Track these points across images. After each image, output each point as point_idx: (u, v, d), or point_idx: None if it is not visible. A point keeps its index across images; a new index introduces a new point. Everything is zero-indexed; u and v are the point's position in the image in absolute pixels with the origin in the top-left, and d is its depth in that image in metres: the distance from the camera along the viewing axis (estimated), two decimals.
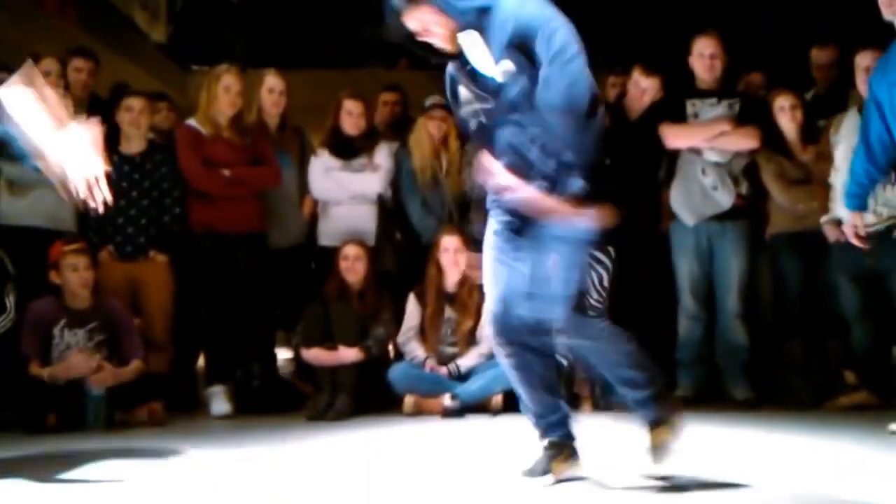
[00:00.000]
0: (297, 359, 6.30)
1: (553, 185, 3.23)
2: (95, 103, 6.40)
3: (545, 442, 3.48)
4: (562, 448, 3.47)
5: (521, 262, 3.32)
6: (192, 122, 6.09)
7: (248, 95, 6.23)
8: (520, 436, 4.87)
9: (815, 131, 5.98)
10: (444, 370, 5.83)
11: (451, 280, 5.91)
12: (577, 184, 3.23)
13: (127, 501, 3.37)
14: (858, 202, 4.92)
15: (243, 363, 6.16)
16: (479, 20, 3.23)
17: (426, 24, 3.27)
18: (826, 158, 5.77)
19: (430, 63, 3.41)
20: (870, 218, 5.43)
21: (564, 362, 5.93)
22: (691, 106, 6.00)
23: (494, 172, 3.30)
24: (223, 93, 5.99)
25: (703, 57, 6.00)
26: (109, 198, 3.43)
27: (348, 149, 6.25)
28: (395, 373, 5.82)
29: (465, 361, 5.84)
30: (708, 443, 4.57)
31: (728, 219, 5.95)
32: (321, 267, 6.17)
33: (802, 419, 5.23)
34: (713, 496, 3.25)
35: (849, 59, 5.66)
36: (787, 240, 5.96)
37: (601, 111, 3.25)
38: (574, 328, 3.41)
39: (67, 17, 9.61)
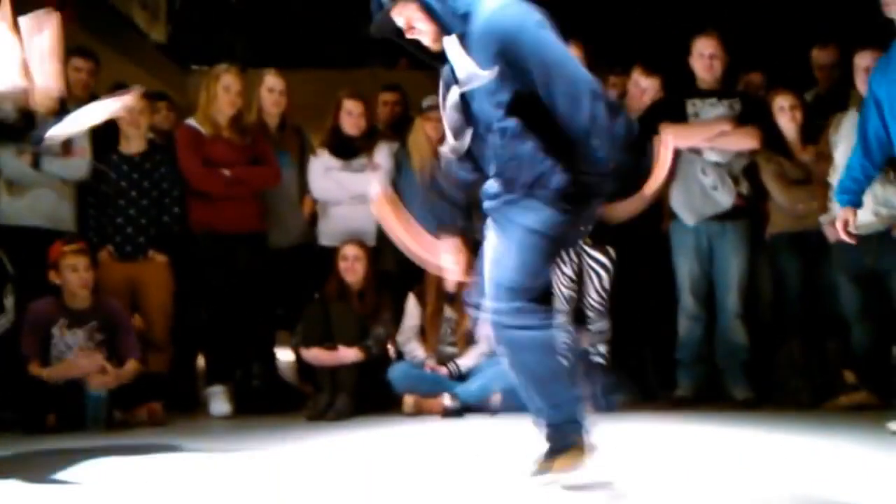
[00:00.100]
0: (298, 359, 6.30)
1: (533, 186, 3.22)
2: None
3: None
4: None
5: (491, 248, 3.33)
6: (191, 121, 6.09)
7: (248, 95, 6.23)
8: (520, 435, 4.88)
9: (815, 131, 5.98)
10: (443, 370, 5.84)
11: (451, 280, 5.91)
12: (559, 179, 3.21)
13: (126, 501, 3.37)
14: (851, 198, 4.92)
15: (243, 363, 6.16)
16: (458, 25, 3.24)
17: (412, 21, 3.28)
18: (826, 158, 5.77)
19: (429, 63, 3.41)
20: (870, 218, 5.43)
21: (564, 361, 5.94)
22: (692, 106, 6.00)
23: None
24: (223, 92, 5.99)
25: (703, 57, 6.00)
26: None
27: (348, 149, 6.25)
28: (395, 372, 5.82)
29: (465, 361, 5.84)
30: (708, 443, 4.57)
31: (728, 219, 5.95)
32: (321, 267, 6.16)
33: (802, 419, 5.23)
34: (713, 496, 3.25)
35: (849, 59, 5.67)
36: (786, 240, 5.96)
37: (620, 111, 3.24)
38: (503, 323, 3.28)
39: (67, 17, 9.60)
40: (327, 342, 5.83)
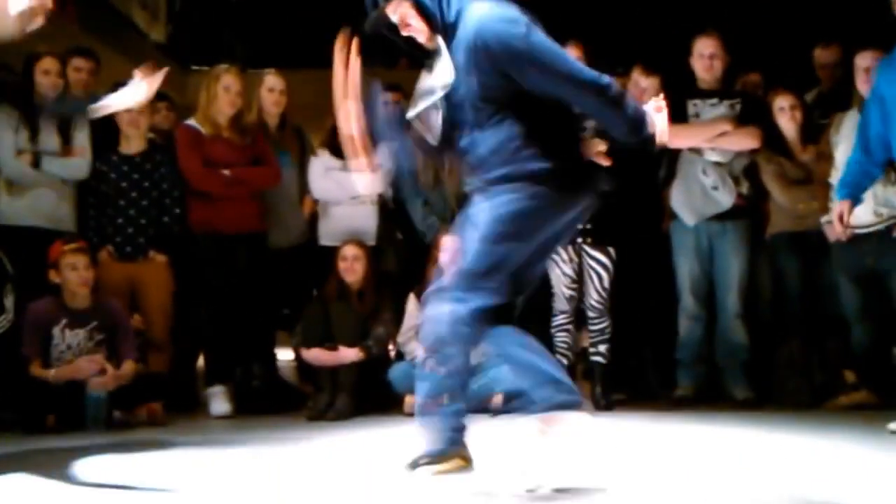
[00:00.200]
0: (298, 359, 6.29)
1: (509, 178, 3.21)
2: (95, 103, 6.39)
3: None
4: None
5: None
6: (191, 122, 6.09)
7: (248, 95, 6.22)
8: (520, 436, 4.87)
9: (816, 131, 5.98)
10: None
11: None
12: (537, 164, 3.20)
13: (126, 501, 3.36)
14: (849, 191, 4.93)
15: (243, 363, 6.16)
16: (448, 28, 3.25)
17: (406, 19, 3.30)
18: (826, 158, 5.77)
19: (422, 60, 3.42)
20: (870, 217, 5.44)
21: (564, 361, 5.95)
22: (692, 106, 6.01)
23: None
24: (223, 92, 5.99)
25: (704, 57, 6.01)
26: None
27: None
28: (396, 372, 5.82)
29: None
30: (708, 443, 4.57)
31: (728, 219, 5.95)
32: (321, 267, 6.16)
33: (802, 419, 5.24)
34: (713, 496, 3.25)
35: (852, 59, 5.67)
36: (787, 239, 5.96)
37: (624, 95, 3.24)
38: (443, 305, 3.26)
39: (67, 17, 9.60)
40: (327, 342, 5.84)
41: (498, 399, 5.69)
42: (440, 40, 3.28)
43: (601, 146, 3.32)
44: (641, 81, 6.23)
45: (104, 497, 3.42)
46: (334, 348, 5.80)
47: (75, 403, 5.29)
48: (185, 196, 6.02)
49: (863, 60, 5.54)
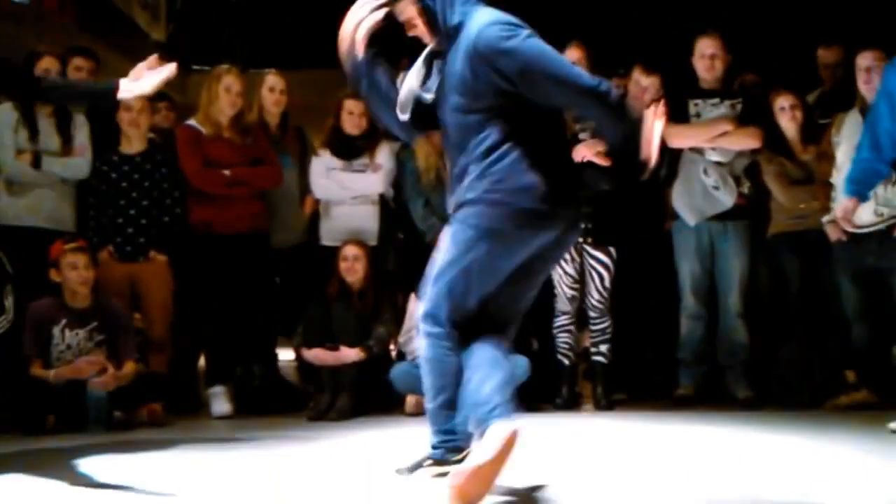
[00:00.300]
0: (299, 359, 6.29)
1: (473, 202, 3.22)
2: None
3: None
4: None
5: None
6: (192, 122, 6.08)
7: (249, 95, 6.22)
8: (521, 436, 4.87)
9: (817, 131, 5.98)
10: None
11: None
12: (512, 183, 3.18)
13: (127, 502, 3.36)
14: (857, 188, 4.93)
15: (244, 363, 6.16)
16: (450, 33, 3.27)
17: (413, 20, 3.32)
18: (828, 158, 5.77)
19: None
20: (871, 217, 5.43)
21: (566, 361, 5.95)
22: (694, 106, 6.01)
23: None
24: (224, 93, 5.98)
25: (705, 57, 6.01)
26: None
27: (349, 149, 6.24)
28: (397, 373, 5.81)
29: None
30: (708, 442, 4.57)
31: (730, 218, 5.95)
32: (323, 267, 6.16)
33: (803, 418, 5.24)
34: (714, 496, 3.25)
35: (854, 59, 5.67)
36: (787, 239, 5.96)
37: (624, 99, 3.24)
38: (428, 316, 3.29)
39: (67, 16, 9.61)
40: (328, 342, 5.84)
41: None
42: (434, 45, 3.31)
43: (600, 147, 3.32)
44: (642, 80, 6.23)
45: (104, 497, 3.42)
46: (335, 348, 5.80)
47: (75, 404, 5.29)
48: (186, 196, 6.02)
49: (863, 60, 5.54)
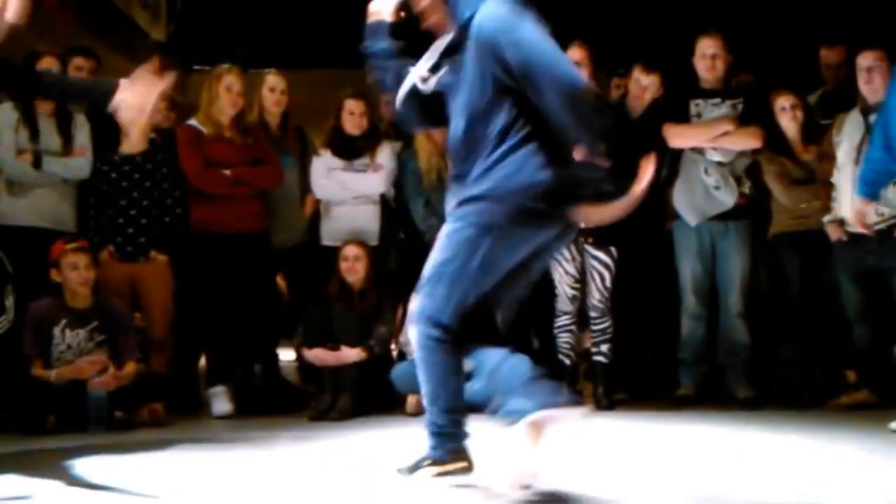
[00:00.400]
0: (300, 359, 6.29)
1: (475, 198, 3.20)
2: None
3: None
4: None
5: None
6: (193, 122, 6.08)
7: (249, 95, 6.22)
8: (521, 436, 4.86)
9: (818, 131, 5.98)
10: None
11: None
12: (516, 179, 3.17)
13: (128, 502, 3.36)
14: (871, 189, 4.93)
15: (245, 363, 6.16)
16: (462, 28, 3.27)
17: (429, 12, 3.32)
18: (829, 158, 5.77)
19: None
20: (872, 217, 5.43)
21: (567, 361, 5.95)
22: (695, 106, 6.01)
23: None
24: (224, 92, 5.98)
25: (706, 57, 6.01)
26: None
27: (350, 149, 6.24)
28: (398, 372, 5.81)
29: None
30: (709, 442, 4.58)
31: (731, 218, 5.96)
32: (323, 267, 6.16)
33: (803, 418, 5.24)
34: (714, 496, 3.25)
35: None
36: (788, 239, 5.96)
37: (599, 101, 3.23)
38: (421, 315, 3.30)
39: (66, 16, 9.60)
40: (329, 342, 5.84)
41: (500, 400, 5.68)
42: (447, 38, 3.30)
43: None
44: (642, 80, 6.24)
45: (104, 497, 3.42)
46: (336, 348, 5.80)
47: (76, 404, 5.28)
48: (187, 196, 6.02)
49: (864, 60, 5.54)
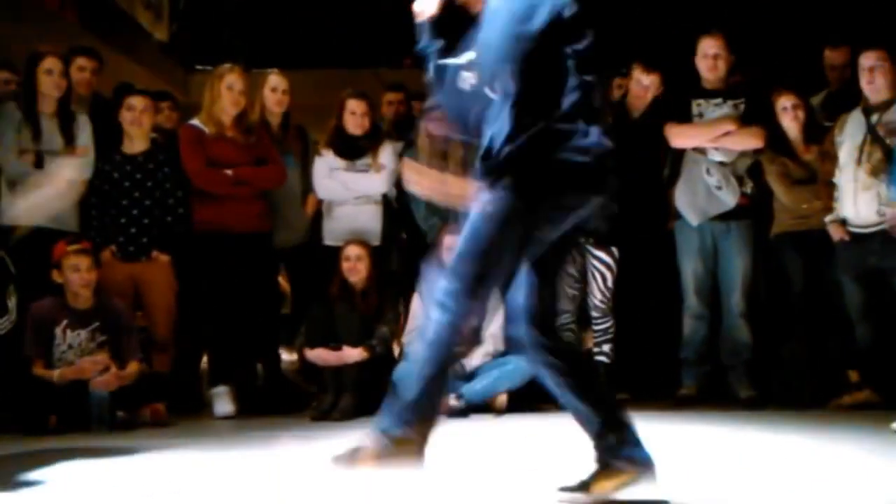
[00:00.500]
0: (302, 359, 6.29)
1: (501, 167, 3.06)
2: (99, 103, 6.41)
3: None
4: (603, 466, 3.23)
5: None
6: (195, 121, 6.08)
7: (250, 95, 6.21)
8: (524, 436, 4.88)
9: (819, 131, 5.97)
10: None
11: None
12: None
13: (129, 502, 3.37)
14: None
15: (247, 363, 6.16)
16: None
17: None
18: (830, 158, 5.77)
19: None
20: (873, 217, 5.44)
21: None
22: (696, 106, 6.01)
23: None
24: (226, 92, 5.97)
25: (708, 57, 6.01)
26: None
27: (352, 149, 6.24)
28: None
29: (470, 361, 5.83)
30: (711, 442, 4.57)
31: (733, 218, 5.96)
32: (326, 267, 6.16)
33: (805, 418, 5.23)
34: (715, 496, 3.25)
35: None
36: (790, 239, 5.96)
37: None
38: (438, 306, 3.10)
39: (68, 16, 9.60)
40: (331, 342, 5.84)
41: (502, 399, 5.70)
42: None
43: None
44: (643, 79, 6.24)
45: (106, 497, 3.42)
46: (338, 348, 5.80)
47: (78, 404, 5.29)
48: (189, 196, 6.02)
49: (866, 60, 5.55)
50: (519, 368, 5.62)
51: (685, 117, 6.00)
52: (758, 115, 5.98)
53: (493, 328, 5.82)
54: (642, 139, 6.06)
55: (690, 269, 6.03)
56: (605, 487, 3.19)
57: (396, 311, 6.06)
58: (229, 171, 5.95)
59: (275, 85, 6.30)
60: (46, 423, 5.23)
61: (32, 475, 3.74)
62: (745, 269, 5.98)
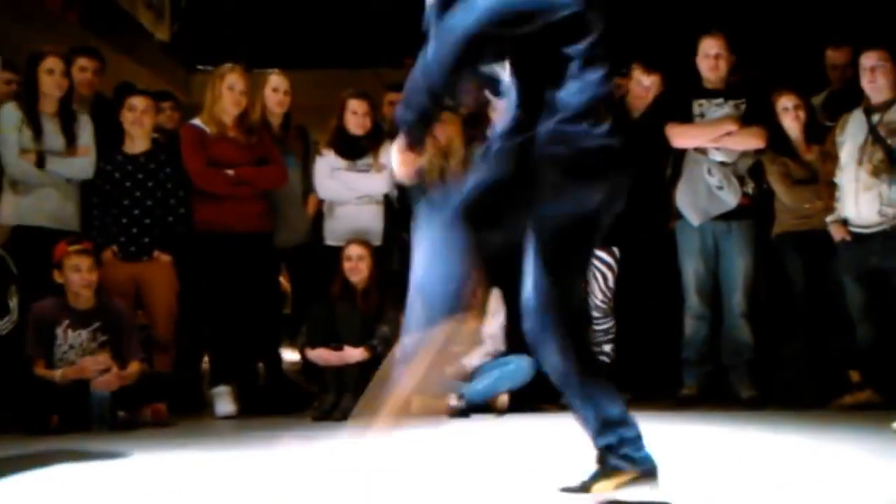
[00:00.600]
0: (303, 359, 6.30)
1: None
2: (100, 103, 6.41)
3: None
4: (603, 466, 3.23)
5: None
6: (196, 121, 6.08)
7: (252, 96, 6.21)
8: (525, 436, 4.88)
9: (821, 131, 5.98)
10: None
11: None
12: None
13: (130, 502, 3.37)
14: None
15: (248, 363, 6.16)
16: None
17: None
18: (831, 158, 5.77)
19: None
20: (875, 217, 5.44)
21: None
22: (698, 106, 6.02)
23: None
24: (227, 92, 5.98)
25: (709, 57, 6.01)
26: None
27: (353, 149, 6.24)
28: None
29: (471, 361, 5.84)
30: (712, 442, 4.57)
31: (734, 218, 5.96)
32: (327, 267, 6.16)
33: (807, 418, 5.23)
34: (716, 496, 3.25)
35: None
36: (791, 239, 5.96)
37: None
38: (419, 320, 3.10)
39: (70, 16, 9.62)
40: (333, 342, 5.84)
41: (503, 399, 5.70)
42: None
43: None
44: (643, 80, 6.25)
45: (106, 497, 3.42)
46: (339, 348, 5.80)
47: (79, 403, 5.29)
48: (190, 196, 6.02)
49: (867, 60, 5.55)
50: (520, 368, 5.63)
51: (686, 117, 6.00)
52: (759, 115, 5.99)
53: (494, 328, 5.84)
54: (643, 139, 6.05)
55: (691, 269, 6.03)
56: (605, 487, 3.18)
57: (397, 311, 6.05)
58: (230, 172, 5.95)
59: (276, 85, 6.30)
60: (47, 423, 5.23)
61: (33, 475, 3.74)
62: (746, 269, 5.98)
